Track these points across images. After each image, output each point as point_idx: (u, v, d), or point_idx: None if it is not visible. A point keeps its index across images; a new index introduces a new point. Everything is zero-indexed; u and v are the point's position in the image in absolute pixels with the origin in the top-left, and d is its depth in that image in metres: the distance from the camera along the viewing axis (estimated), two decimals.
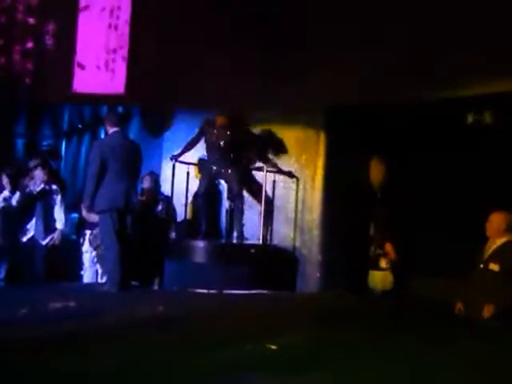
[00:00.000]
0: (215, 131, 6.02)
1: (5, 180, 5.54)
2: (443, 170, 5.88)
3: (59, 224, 5.77)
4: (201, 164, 6.22)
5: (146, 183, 6.10)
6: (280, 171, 6.15)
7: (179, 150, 6.16)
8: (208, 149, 6.12)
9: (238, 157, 6.16)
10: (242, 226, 6.00)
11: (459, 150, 5.79)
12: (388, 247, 5.98)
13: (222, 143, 6.01)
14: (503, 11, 4.04)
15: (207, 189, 6.02)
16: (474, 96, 5.32)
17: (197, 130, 6.19)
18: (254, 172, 6.21)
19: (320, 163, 6.10)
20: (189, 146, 6.14)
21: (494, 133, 5.66)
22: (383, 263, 5.95)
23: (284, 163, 6.24)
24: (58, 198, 5.80)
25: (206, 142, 6.12)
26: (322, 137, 6.09)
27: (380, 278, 5.95)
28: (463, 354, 2.92)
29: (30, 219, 5.71)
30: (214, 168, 6.05)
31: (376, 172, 6.15)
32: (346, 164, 6.15)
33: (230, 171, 6.01)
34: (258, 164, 6.12)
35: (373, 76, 5.24)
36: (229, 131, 6.00)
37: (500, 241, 4.45)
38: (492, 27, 4.22)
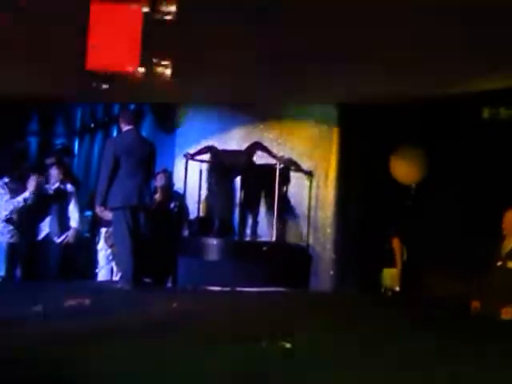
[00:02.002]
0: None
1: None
2: (459, 165, 5.81)
3: (74, 222, 5.79)
4: (214, 156, 6.21)
5: (160, 181, 6.11)
6: (295, 168, 6.13)
7: (194, 150, 6.17)
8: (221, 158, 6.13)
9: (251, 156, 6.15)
10: (256, 223, 5.99)
11: (475, 145, 5.72)
12: (395, 243, 5.92)
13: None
14: None
15: (220, 186, 6.01)
16: (490, 91, 5.26)
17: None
18: (267, 169, 6.18)
19: (333, 160, 6.06)
20: (204, 150, 6.17)
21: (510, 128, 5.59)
22: (393, 260, 5.90)
23: (297, 160, 6.21)
24: (73, 197, 5.82)
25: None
26: (335, 133, 6.05)
27: (390, 276, 5.91)
28: (483, 354, 2.87)
29: (45, 218, 5.74)
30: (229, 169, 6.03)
31: (403, 168, 6.05)
32: (359, 161, 6.11)
33: (244, 170, 5.99)
34: (272, 161, 6.09)
35: (386, 72, 5.19)
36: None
37: None
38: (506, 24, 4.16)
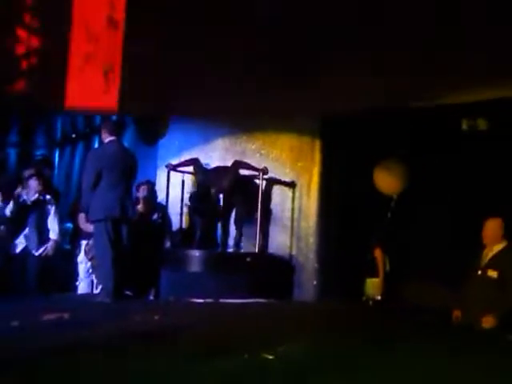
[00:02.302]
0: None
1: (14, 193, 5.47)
2: (438, 176, 5.87)
3: (53, 234, 5.71)
4: (198, 168, 6.17)
5: (143, 192, 6.06)
6: (278, 180, 6.12)
7: (176, 161, 6.14)
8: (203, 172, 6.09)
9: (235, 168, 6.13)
10: (240, 235, 5.96)
11: (455, 156, 5.79)
12: (377, 253, 5.95)
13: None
14: (499, 18, 4.04)
15: (203, 193, 5.97)
16: (469, 103, 5.33)
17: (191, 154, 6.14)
18: (250, 180, 6.17)
19: (316, 171, 6.08)
20: (186, 163, 6.14)
21: (489, 139, 5.66)
22: (376, 270, 5.92)
23: (280, 171, 6.21)
24: (52, 209, 5.74)
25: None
26: (318, 144, 6.07)
27: (373, 286, 5.92)
28: (463, 363, 2.88)
29: (23, 230, 5.65)
30: (211, 180, 5.99)
31: (385, 180, 6.10)
32: (341, 171, 6.14)
33: (228, 182, 5.96)
34: (255, 172, 6.08)
35: (370, 83, 5.23)
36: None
37: (497, 247, 4.43)
38: (489, 34, 4.23)
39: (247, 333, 3.51)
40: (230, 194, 6.01)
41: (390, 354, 2.99)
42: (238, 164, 6.02)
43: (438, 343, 3.43)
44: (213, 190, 5.96)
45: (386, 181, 6.08)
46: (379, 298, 5.83)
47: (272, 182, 6.16)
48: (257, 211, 5.90)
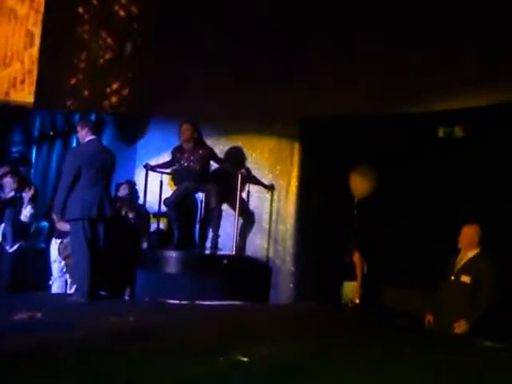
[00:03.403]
0: (185, 155, 5.94)
1: None
2: (415, 182, 5.94)
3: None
4: (176, 175, 6.15)
5: (123, 191, 6.01)
6: (256, 182, 6.13)
7: (154, 162, 6.10)
8: (181, 174, 6.02)
9: (213, 170, 6.13)
10: (217, 237, 5.95)
11: (431, 162, 5.87)
12: (356, 256, 6.01)
13: (194, 164, 5.91)
14: (474, 28, 4.13)
15: (180, 198, 5.95)
16: (445, 110, 5.41)
17: (169, 155, 6.09)
18: (229, 182, 6.17)
19: (294, 174, 6.11)
20: (164, 166, 6.10)
21: (465, 146, 5.76)
22: (353, 273, 5.97)
23: (258, 174, 6.23)
24: (27, 206, 5.67)
25: (179, 166, 6.02)
26: (297, 147, 6.10)
27: (350, 289, 5.97)
28: (430, 367, 2.92)
29: None
30: (190, 182, 5.96)
31: (357, 184, 6.17)
32: (319, 175, 6.18)
33: (207, 183, 5.95)
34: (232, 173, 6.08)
35: (348, 88, 5.28)
36: (195, 138, 5.91)
37: (471, 253, 4.48)
38: (466, 42, 4.31)
39: (222, 335, 3.51)
40: (207, 186, 5.93)
41: (359, 358, 3.02)
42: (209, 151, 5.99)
43: (404, 346, 3.47)
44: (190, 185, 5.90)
45: (360, 185, 6.16)
46: (357, 301, 5.88)
47: (251, 181, 6.18)
48: (234, 211, 5.91)
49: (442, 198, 5.75)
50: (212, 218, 6.00)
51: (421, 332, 4.32)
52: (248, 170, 6.14)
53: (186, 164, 5.96)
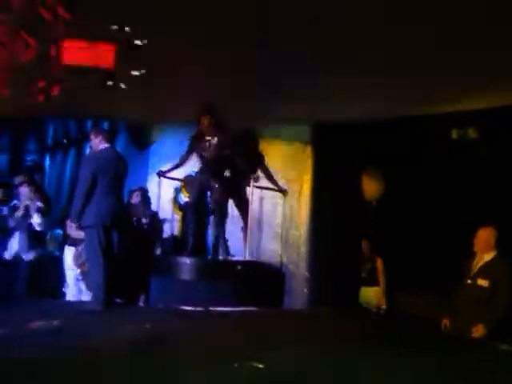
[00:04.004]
0: (205, 141, 5.87)
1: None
2: (431, 185, 5.90)
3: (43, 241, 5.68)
4: (188, 182, 6.15)
5: (136, 198, 6.04)
6: (269, 187, 6.10)
7: (169, 167, 6.10)
8: (201, 162, 5.97)
9: (226, 168, 6.06)
10: (226, 240, 5.94)
11: (447, 164, 5.83)
12: (378, 262, 5.96)
13: (212, 151, 5.82)
14: (482, 30, 4.10)
15: (197, 199, 5.92)
16: (458, 112, 5.38)
17: (186, 149, 6.09)
18: (243, 186, 6.14)
19: (307, 178, 6.10)
20: (179, 164, 6.08)
21: (480, 148, 5.71)
22: (376, 279, 5.92)
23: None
24: (43, 215, 5.72)
25: (198, 155, 5.97)
26: (310, 152, 6.09)
27: (371, 295, 5.91)
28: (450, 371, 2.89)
29: (13, 235, 5.62)
30: (203, 175, 5.89)
31: (369, 186, 6.15)
32: (332, 179, 6.16)
33: (216, 183, 5.92)
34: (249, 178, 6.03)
35: (361, 92, 5.27)
36: (215, 128, 5.84)
37: (488, 256, 4.43)
38: (478, 45, 4.29)
39: (237, 341, 3.50)
40: (221, 193, 5.88)
41: (379, 365, 2.99)
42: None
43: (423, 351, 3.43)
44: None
45: (372, 187, 6.14)
46: (384, 307, 5.83)
47: (263, 188, 6.16)
48: (247, 218, 5.90)
49: (458, 200, 5.71)
50: (217, 219, 5.94)
51: (434, 336, 4.27)
52: (266, 171, 6.01)
53: (203, 152, 5.86)
